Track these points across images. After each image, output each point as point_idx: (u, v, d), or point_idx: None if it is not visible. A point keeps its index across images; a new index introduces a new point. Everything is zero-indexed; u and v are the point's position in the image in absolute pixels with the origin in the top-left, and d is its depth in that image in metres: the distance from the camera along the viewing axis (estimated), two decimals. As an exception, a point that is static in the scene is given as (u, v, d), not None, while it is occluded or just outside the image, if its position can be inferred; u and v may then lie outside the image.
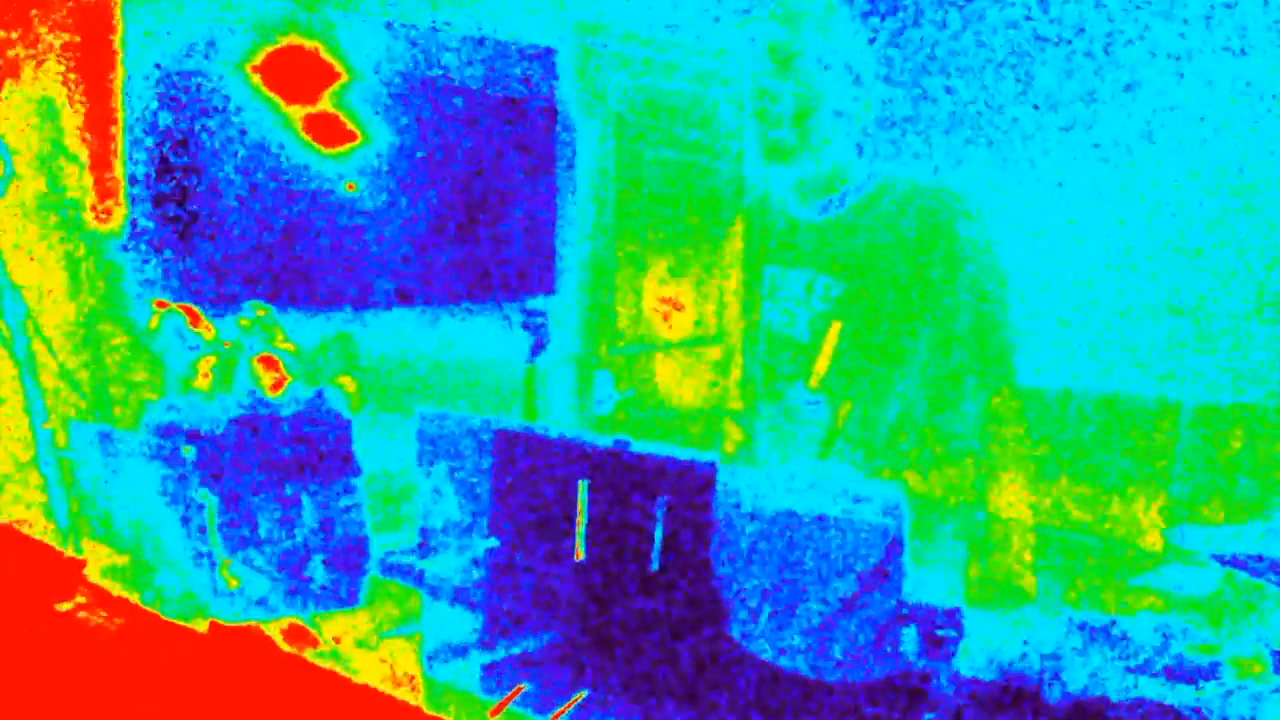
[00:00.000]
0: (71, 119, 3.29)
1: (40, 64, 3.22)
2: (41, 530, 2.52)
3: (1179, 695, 1.56)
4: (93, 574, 1.95)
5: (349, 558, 2.35)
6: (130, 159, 3.37)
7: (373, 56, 3.89)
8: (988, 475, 2.66)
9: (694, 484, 1.57)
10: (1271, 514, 3.81)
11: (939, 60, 5.36)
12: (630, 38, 4.94)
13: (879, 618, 1.53)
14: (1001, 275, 2.13)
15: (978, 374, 2.13)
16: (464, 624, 1.88)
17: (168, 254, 3.44)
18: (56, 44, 3.25)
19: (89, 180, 3.33)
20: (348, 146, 3.85)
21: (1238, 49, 4.62)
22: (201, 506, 2.16)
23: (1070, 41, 5.03)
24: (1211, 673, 1.63)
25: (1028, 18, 5.11)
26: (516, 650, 1.74)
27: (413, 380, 4.07)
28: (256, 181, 3.63)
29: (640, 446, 1.61)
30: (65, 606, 1.73)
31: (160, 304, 3.01)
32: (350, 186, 3.87)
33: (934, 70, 5.40)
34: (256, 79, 3.58)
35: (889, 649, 1.49)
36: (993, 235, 2.11)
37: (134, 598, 1.98)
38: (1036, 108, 5.12)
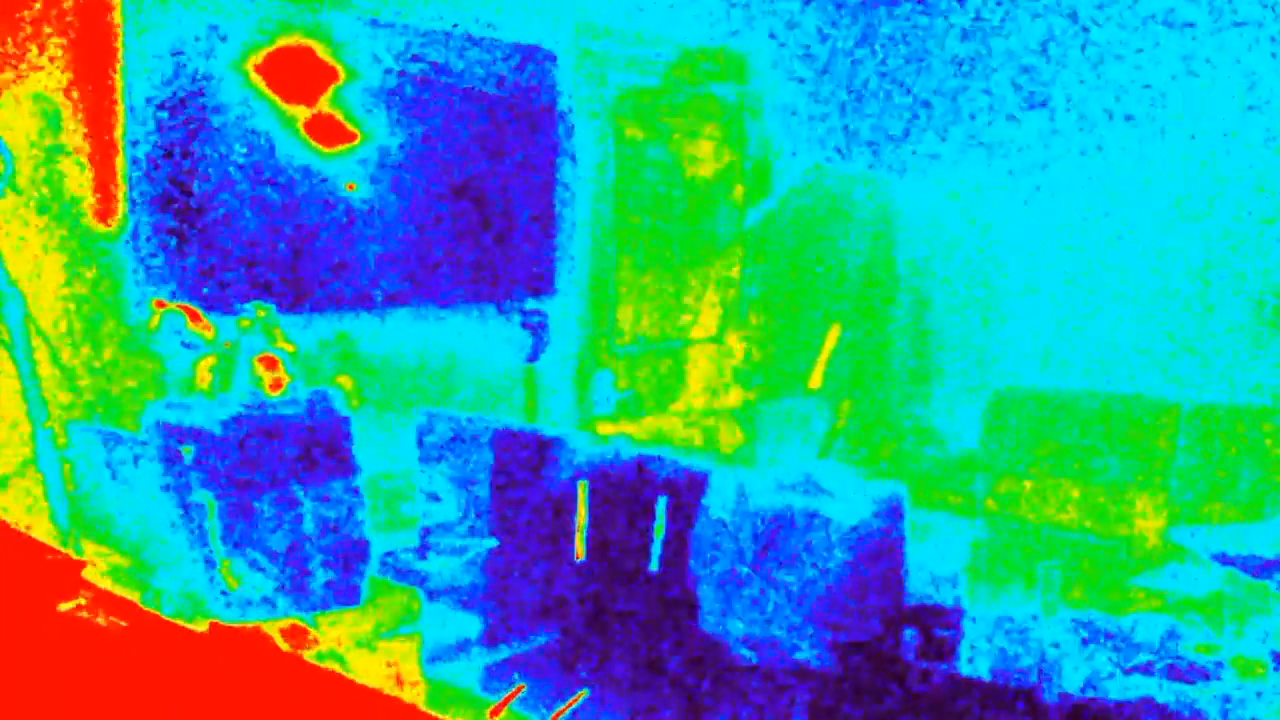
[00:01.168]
0: (71, 119, 3.29)
1: (40, 64, 3.22)
2: (41, 530, 2.52)
3: (1179, 695, 1.56)
4: (93, 574, 1.95)
5: (349, 558, 2.35)
6: (130, 159, 3.37)
7: (372, 56, 3.89)
8: (988, 475, 2.67)
9: (692, 484, 1.57)
10: (1271, 514, 3.81)
11: (926, 60, 5.36)
12: (630, 38, 4.94)
13: (877, 616, 1.53)
14: (892, 252, 2.07)
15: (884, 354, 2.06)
16: (464, 624, 1.88)
17: (168, 254, 3.44)
18: (56, 44, 3.25)
19: (89, 180, 3.33)
20: (347, 146, 3.85)
21: (1236, 49, 4.62)
22: (201, 506, 2.16)
23: (1065, 40, 5.03)
24: (1211, 673, 1.63)
25: (1035, 15, 5.11)
26: (516, 650, 1.74)
27: (412, 380, 4.07)
28: (256, 181, 3.63)
29: (640, 446, 1.61)
30: (65, 606, 1.73)
31: (160, 304, 3.01)
32: (350, 186, 3.87)
33: (922, 70, 5.40)
34: (257, 79, 3.58)
35: (886, 648, 1.49)
36: (909, 220, 2.06)
37: (134, 598, 1.98)
38: (1034, 109, 5.13)
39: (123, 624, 1.61)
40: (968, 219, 5.32)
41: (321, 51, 3.77)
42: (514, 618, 1.79)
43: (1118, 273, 4.98)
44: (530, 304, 3.03)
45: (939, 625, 1.63)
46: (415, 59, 4.06)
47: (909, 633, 1.60)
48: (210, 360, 2.71)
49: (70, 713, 1.44)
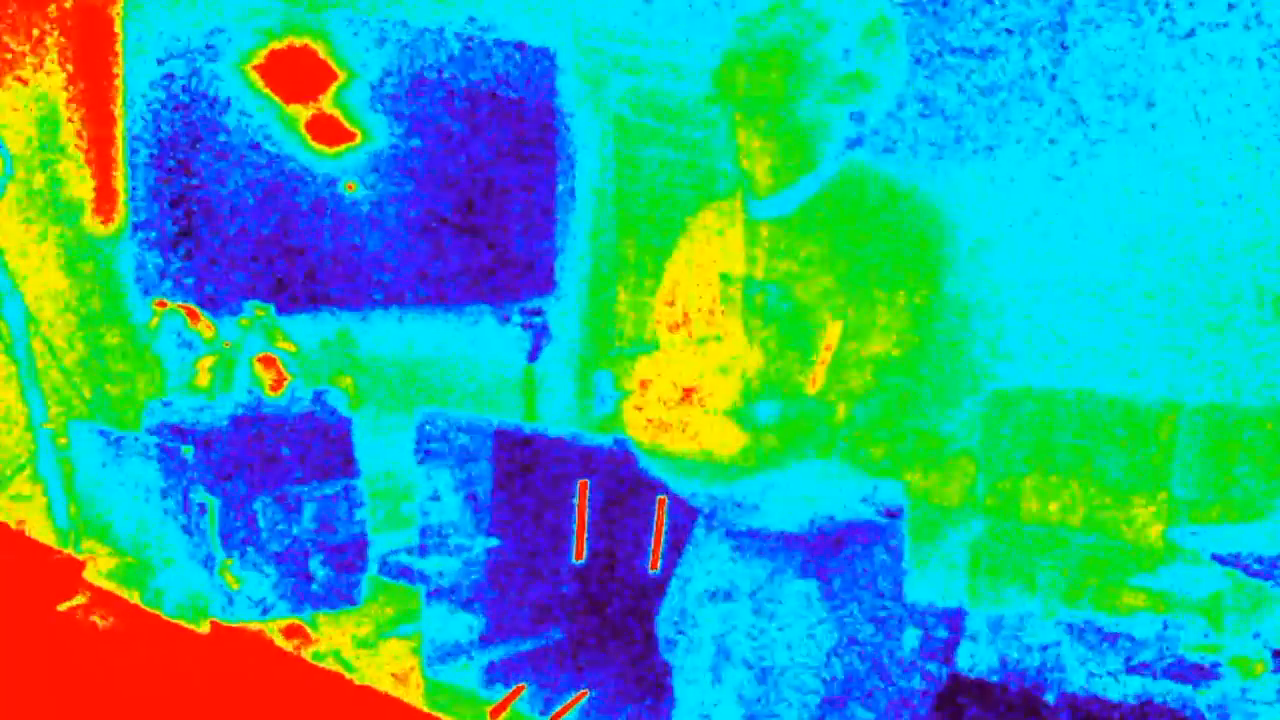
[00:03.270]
0: (71, 119, 3.29)
1: (40, 64, 3.22)
2: (41, 530, 2.52)
3: (1179, 695, 1.56)
4: (93, 574, 1.95)
5: (349, 558, 2.35)
6: (130, 159, 3.37)
7: (372, 56, 3.89)
8: (988, 475, 2.66)
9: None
10: (1271, 514, 3.81)
11: (934, 53, 5.36)
12: (629, 38, 4.94)
13: (878, 618, 1.53)
14: (951, 264, 1.85)
15: (930, 366, 1.88)
16: (464, 624, 1.88)
17: (168, 254, 3.44)
18: (56, 44, 3.25)
19: (89, 180, 3.33)
20: (347, 146, 3.85)
21: (1237, 50, 4.61)
22: (201, 506, 2.16)
23: (1066, 39, 5.02)
24: (1211, 673, 1.63)
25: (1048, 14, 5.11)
26: (516, 650, 1.74)
27: (413, 380, 4.06)
28: (256, 181, 3.63)
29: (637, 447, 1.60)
30: (65, 606, 1.73)
31: (160, 304, 3.01)
32: (350, 186, 3.87)
33: (931, 64, 5.39)
34: (257, 79, 3.58)
35: (889, 650, 1.48)
36: (957, 228, 1.88)
37: (134, 598, 1.98)
38: (1035, 104, 5.12)
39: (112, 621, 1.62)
40: (966, 217, 5.31)
41: (321, 51, 3.77)
42: (514, 618, 1.79)
43: (1118, 273, 4.98)
44: (530, 304, 3.03)
45: (939, 625, 1.63)
46: (415, 59, 4.05)
47: (909, 632, 1.60)
48: (210, 360, 2.72)
49: (70, 713, 1.44)
